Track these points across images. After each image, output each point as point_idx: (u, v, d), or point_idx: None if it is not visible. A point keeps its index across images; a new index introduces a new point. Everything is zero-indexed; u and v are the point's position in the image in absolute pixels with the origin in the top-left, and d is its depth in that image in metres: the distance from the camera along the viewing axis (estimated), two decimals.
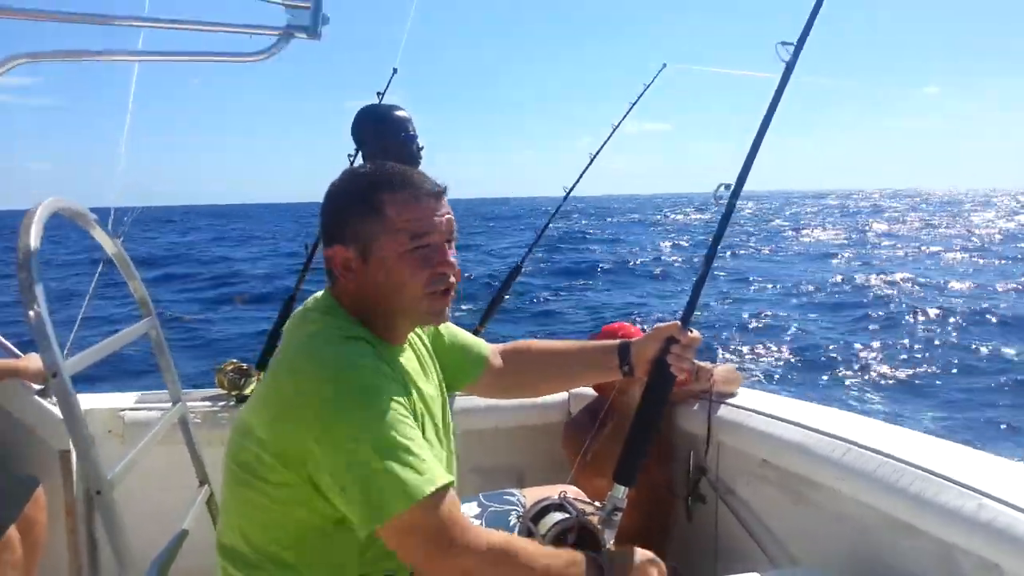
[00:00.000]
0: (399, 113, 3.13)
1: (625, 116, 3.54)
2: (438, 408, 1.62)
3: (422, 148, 3.09)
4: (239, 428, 1.49)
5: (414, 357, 1.65)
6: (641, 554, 1.54)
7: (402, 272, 1.48)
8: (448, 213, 1.52)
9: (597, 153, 3.51)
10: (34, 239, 1.47)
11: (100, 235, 1.89)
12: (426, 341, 1.76)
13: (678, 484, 3.02)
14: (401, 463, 1.30)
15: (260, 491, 1.42)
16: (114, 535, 1.48)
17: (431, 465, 1.33)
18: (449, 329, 1.86)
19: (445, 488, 1.33)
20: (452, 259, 1.52)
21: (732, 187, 1.79)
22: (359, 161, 3.37)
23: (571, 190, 3.57)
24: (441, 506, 1.32)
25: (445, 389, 1.73)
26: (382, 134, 3.06)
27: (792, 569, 2.53)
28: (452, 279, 1.53)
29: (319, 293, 1.60)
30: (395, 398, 1.37)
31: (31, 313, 1.43)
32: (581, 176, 3.57)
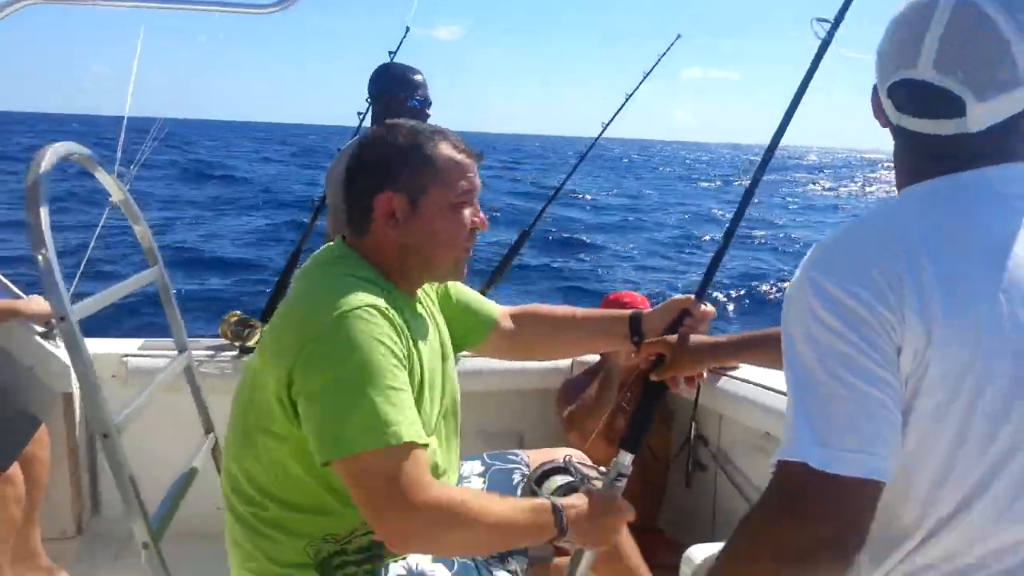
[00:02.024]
0: (416, 77, 3.11)
1: (639, 85, 3.52)
2: (439, 367, 1.61)
3: (429, 111, 3.08)
4: (248, 373, 1.50)
5: (425, 311, 1.64)
6: (606, 499, 1.52)
7: (445, 227, 1.50)
8: (479, 177, 1.56)
9: (612, 119, 3.48)
10: (42, 183, 1.45)
11: (106, 179, 1.87)
12: (434, 299, 1.75)
13: (675, 451, 3.03)
14: (379, 405, 1.29)
15: (267, 437, 1.43)
16: (121, 479, 1.48)
17: (410, 419, 1.32)
18: (458, 289, 1.86)
19: (415, 446, 1.31)
20: (484, 216, 1.56)
21: (758, 163, 1.77)
22: (368, 120, 3.35)
23: (589, 149, 3.55)
24: (405, 461, 1.29)
25: (451, 350, 1.72)
26: (395, 95, 3.04)
27: None
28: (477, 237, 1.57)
29: (331, 243, 1.60)
30: (392, 345, 1.36)
31: (39, 256, 1.41)
32: (602, 132, 3.55)
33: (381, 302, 1.39)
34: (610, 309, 2.30)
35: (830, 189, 43.77)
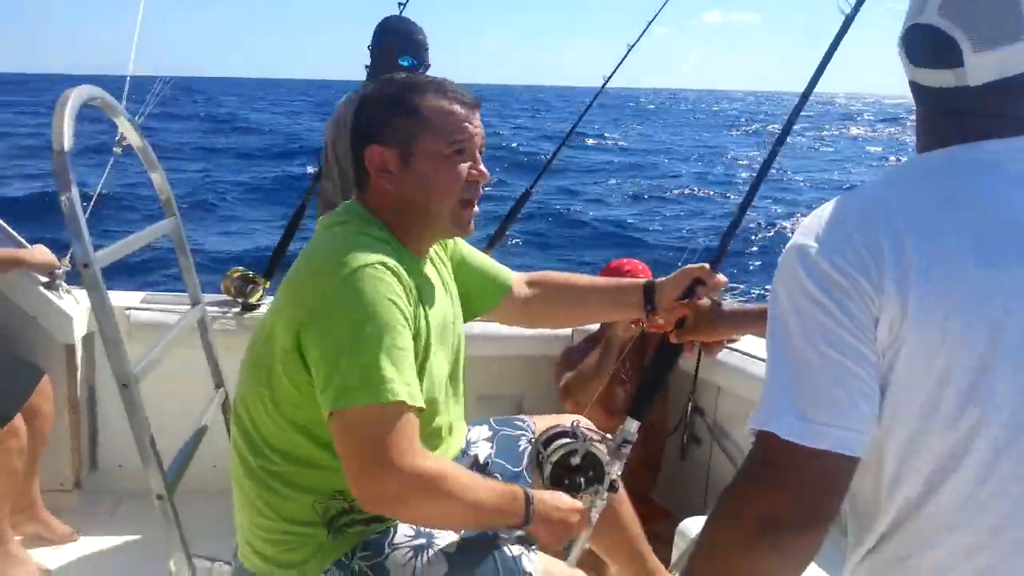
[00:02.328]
0: (416, 37, 3.06)
1: (640, 36, 3.50)
2: (451, 330, 1.61)
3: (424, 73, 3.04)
4: (260, 327, 1.50)
5: (435, 274, 1.64)
6: (566, 499, 1.53)
7: (438, 176, 1.49)
8: (481, 127, 1.53)
9: (613, 70, 3.45)
10: (67, 126, 1.43)
11: (126, 126, 1.85)
12: (447, 263, 1.75)
13: (672, 422, 3.05)
14: (380, 363, 1.29)
15: (277, 391, 1.43)
16: (138, 430, 1.48)
17: (407, 380, 1.32)
18: (473, 254, 1.85)
19: (407, 407, 1.31)
20: (484, 168, 1.54)
21: (778, 135, 1.76)
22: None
23: (597, 95, 3.52)
24: (396, 421, 1.29)
25: (460, 314, 1.72)
26: (390, 51, 2.99)
27: None
28: (481, 189, 1.54)
29: (344, 203, 1.59)
30: (400, 304, 1.36)
31: (64, 199, 1.40)
32: (611, 75, 3.52)
33: (391, 260, 1.39)
34: (621, 278, 2.29)
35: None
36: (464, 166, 1.50)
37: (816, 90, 1.78)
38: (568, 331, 3.21)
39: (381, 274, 1.35)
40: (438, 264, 1.70)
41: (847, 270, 0.96)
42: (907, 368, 0.96)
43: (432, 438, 1.58)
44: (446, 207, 1.51)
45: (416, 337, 1.43)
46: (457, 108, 1.50)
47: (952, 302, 0.94)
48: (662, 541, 2.23)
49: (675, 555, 2.15)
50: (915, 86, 1.07)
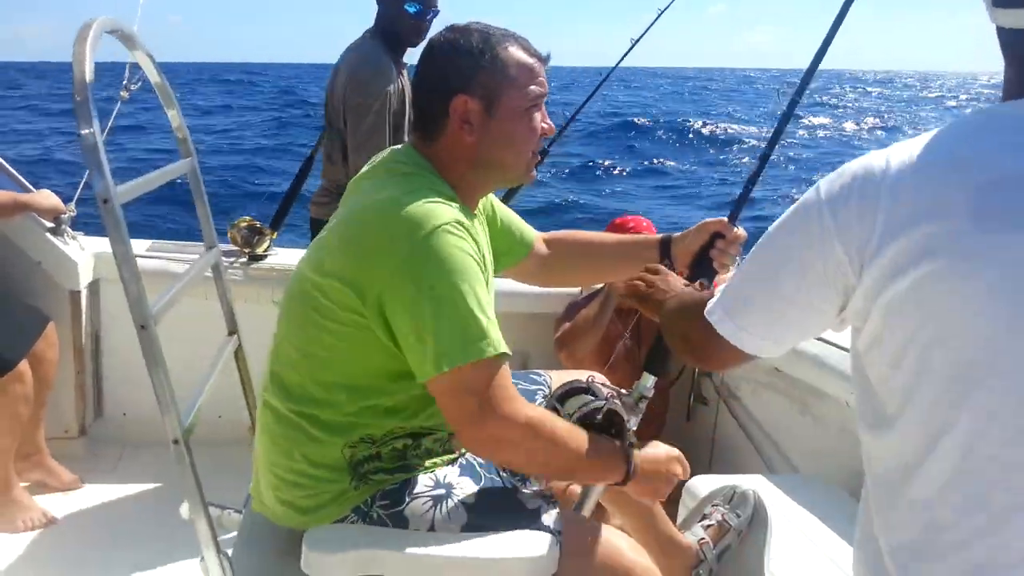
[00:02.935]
0: None
1: (649, 28, 3.46)
2: (491, 282, 1.61)
3: (430, 20, 2.97)
4: (312, 267, 1.46)
5: (481, 228, 1.64)
6: (666, 451, 1.55)
7: (519, 131, 1.51)
8: (546, 80, 1.56)
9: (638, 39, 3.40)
10: (88, 60, 1.40)
11: (144, 60, 1.81)
12: (483, 217, 1.74)
13: (679, 381, 3.05)
14: (474, 320, 1.32)
15: (327, 331, 1.42)
16: (155, 371, 1.46)
17: (496, 329, 1.36)
18: (503, 210, 1.85)
19: (504, 356, 1.35)
20: (551, 122, 1.57)
21: (797, 86, 1.72)
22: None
23: (609, 73, 3.47)
24: (496, 372, 1.34)
25: (492, 267, 1.71)
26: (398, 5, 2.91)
27: (790, 475, 2.57)
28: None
29: (395, 150, 1.58)
30: (479, 261, 1.39)
31: (84, 133, 1.37)
32: (623, 58, 3.47)
33: (465, 219, 1.41)
34: (620, 233, 2.28)
35: None
36: (539, 119, 1.53)
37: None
38: (577, 288, 3.19)
39: (461, 232, 1.37)
40: (480, 217, 1.70)
41: (832, 228, 0.96)
42: (896, 322, 0.95)
43: None
44: (523, 158, 1.54)
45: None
46: (535, 63, 1.52)
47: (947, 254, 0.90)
48: (667, 499, 2.23)
49: (682, 513, 2.15)
50: (998, 31, 1.00)
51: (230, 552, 1.58)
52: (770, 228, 1.07)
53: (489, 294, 1.52)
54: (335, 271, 1.40)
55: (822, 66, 1.76)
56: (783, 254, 1.04)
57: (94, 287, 2.97)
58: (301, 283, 1.48)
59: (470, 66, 1.47)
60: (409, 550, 1.36)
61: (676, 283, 1.59)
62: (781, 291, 1.04)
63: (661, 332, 1.47)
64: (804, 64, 1.78)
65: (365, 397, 1.43)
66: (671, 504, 2.21)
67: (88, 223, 2.90)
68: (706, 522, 1.96)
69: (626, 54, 3.53)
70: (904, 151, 0.96)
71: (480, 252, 1.43)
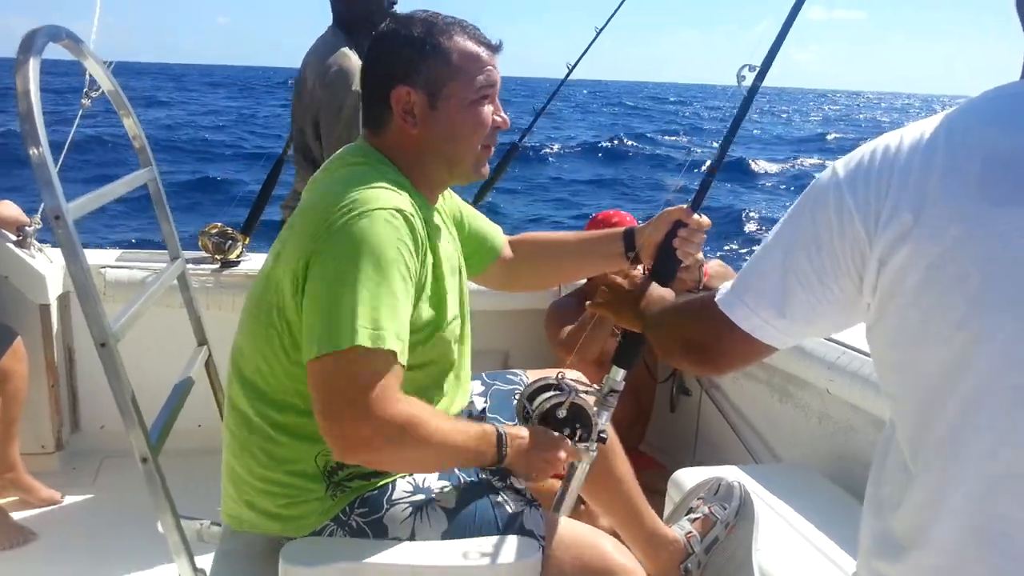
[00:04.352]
0: None
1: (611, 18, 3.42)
2: (456, 275, 1.58)
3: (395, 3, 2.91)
4: (270, 262, 1.44)
5: (443, 223, 1.60)
6: (539, 432, 1.50)
7: (465, 122, 1.46)
8: (498, 70, 1.50)
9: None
10: (32, 71, 1.35)
11: (94, 68, 1.75)
12: (449, 217, 1.71)
13: (662, 373, 3.04)
14: (376, 308, 1.25)
15: (282, 337, 1.38)
16: (118, 390, 1.41)
17: (398, 333, 1.28)
18: (469, 212, 1.81)
19: (393, 357, 1.27)
20: (505, 115, 1.52)
21: (757, 68, 1.69)
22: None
23: (569, 73, 3.45)
24: (379, 368, 1.25)
25: (464, 267, 1.68)
26: None
27: (774, 464, 2.57)
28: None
29: (350, 145, 1.54)
30: (407, 256, 1.32)
31: (33, 152, 1.31)
32: (580, 59, 3.45)
33: (408, 207, 1.35)
34: (602, 229, 2.26)
35: None
36: (488, 111, 1.48)
37: None
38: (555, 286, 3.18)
39: (394, 220, 1.31)
40: (444, 214, 1.66)
41: (851, 207, 0.96)
42: (907, 285, 0.94)
43: (442, 388, 1.55)
44: (470, 153, 1.49)
45: (422, 289, 1.39)
46: (483, 52, 1.46)
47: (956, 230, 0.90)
48: (652, 492, 2.22)
49: (668, 506, 2.15)
50: (1017, 6, 0.99)
51: (209, 567, 1.55)
52: (784, 217, 1.06)
53: (450, 286, 1.49)
54: (286, 260, 1.37)
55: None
56: (799, 236, 1.02)
57: (64, 300, 2.92)
58: (260, 281, 1.45)
59: (411, 56, 1.43)
60: (389, 561, 1.34)
61: (649, 287, 1.58)
62: (799, 274, 1.02)
63: (648, 338, 1.44)
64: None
65: None
66: (657, 497, 2.21)
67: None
68: (692, 515, 1.95)
69: (569, 73, 3.52)
70: (918, 129, 0.96)
71: (423, 249, 1.38)
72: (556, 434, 1.51)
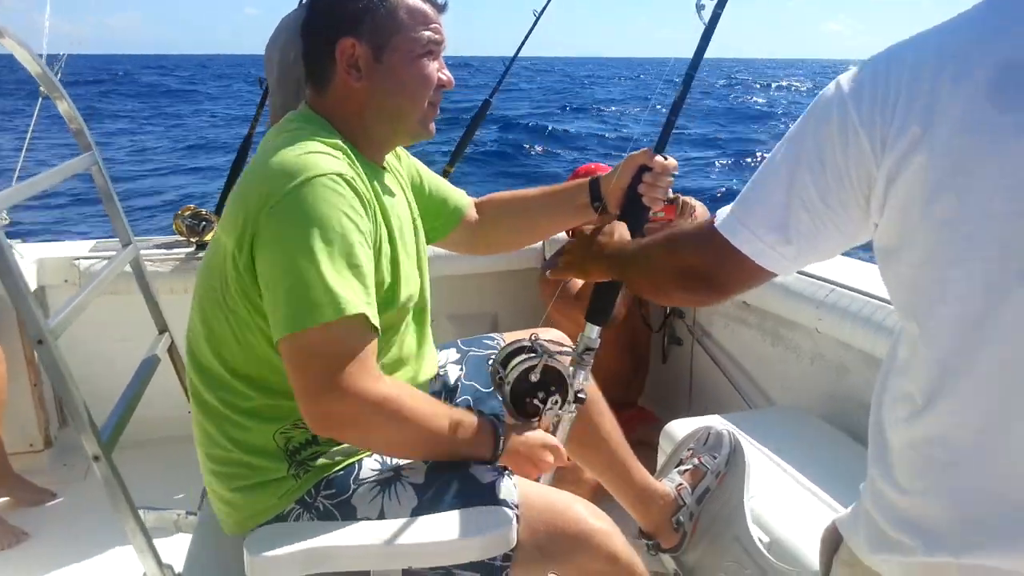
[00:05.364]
0: None
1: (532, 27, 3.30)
2: (412, 238, 1.54)
3: None
4: (209, 252, 1.41)
5: (396, 185, 1.55)
6: (539, 435, 1.46)
7: (411, 76, 1.42)
8: (444, 29, 1.46)
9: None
10: None
11: (20, 51, 1.64)
12: (407, 180, 1.66)
13: (656, 324, 2.99)
14: (332, 281, 1.21)
15: (231, 315, 1.34)
16: (62, 388, 1.36)
17: (364, 299, 1.24)
18: (429, 175, 1.76)
19: (364, 325, 1.24)
20: (449, 74, 1.49)
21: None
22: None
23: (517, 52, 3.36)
24: (350, 339, 1.23)
25: (422, 230, 1.62)
26: None
27: (767, 408, 2.54)
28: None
29: (293, 110, 1.49)
30: (357, 219, 1.27)
31: None
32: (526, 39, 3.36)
33: (348, 171, 1.30)
34: (569, 181, 2.19)
35: None
36: (434, 67, 1.44)
37: None
38: (539, 244, 3.12)
39: (336, 185, 1.25)
40: (398, 176, 1.60)
41: (855, 121, 0.93)
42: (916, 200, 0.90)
43: (403, 359, 1.51)
44: (416, 108, 1.44)
45: (379, 252, 1.34)
46: (428, 8, 1.43)
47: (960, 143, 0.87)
48: (646, 444, 2.19)
49: (661, 459, 2.11)
50: None
51: (183, 559, 1.52)
52: (787, 136, 1.02)
53: (402, 249, 1.44)
54: (224, 239, 1.32)
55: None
56: (803, 154, 0.99)
57: (40, 294, 2.87)
58: (203, 265, 1.40)
59: (356, 8, 1.38)
60: (360, 541, 1.29)
61: (615, 232, 1.52)
62: (803, 195, 0.98)
63: (631, 279, 1.37)
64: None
65: (283, 380, 1.32)
66: (651, 451, 2.17)
67: (32, 229, 2.79)
68: (683, 467, 1.92)
69: (519, 49, 3.38)
70: (924, 38, 0.93)
71: (372, 209, 1.33)
72: (543, 434, 1.47)
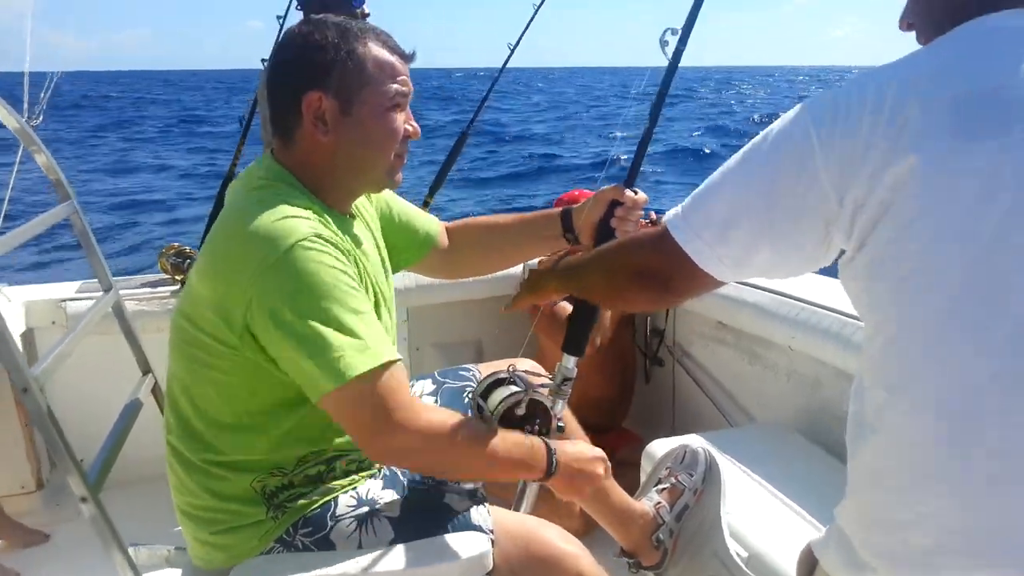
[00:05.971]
0: None
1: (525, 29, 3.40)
2: (383, 282, 1.57)
3: (367, 15, 2.89)
4: (184, 300, 1.42)
5: (364, 229, 1.58)
6: (589, 449, 1.51)
7: (378, 131, 1.43)
8: (410, 80, 1.48)
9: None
10: None
11: None
12: (374, 215, 1.69)
13: (641, 348, 3.04)
14: (348, 334, 1.26)
15: (210, 370, 1.37)
16: (47, 434, 1.40)
17: (378, 339, 1.29)
18: (399, 204, 1.79)
19: (391, 364, 1.29)
20: (416, 124, 1.50)
21: (679, 32, 1.67)
22: (295, 17, 3.16)
23: (510, 56, 3.43)
24: (382, 382, 1.27)
25: (390, 267, 1.67)
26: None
27: (747, 425, 2.58)
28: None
29: (260, 157, 1.51)
30: (345, 270, 1.31)
31: None
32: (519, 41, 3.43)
33: (324, 229, 1.33)
34: (543, 210, 2.24)
35: None
36: (401, 120, 1.45)
37: None
38: (518, 269, 3.16)
39: (319, 245, 1.29)
40: (366, 217, 1.64)
41: (815, 145, 0.95)
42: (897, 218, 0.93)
43: None
44: (383, 160, 1.46)
45: (366, 294, 1.39)
46: (396, 60, 1.44)
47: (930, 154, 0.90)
48: (630, 465, 2.22)
49: (643, 478, 2.15)
50: None
51: None
52: (747, 145, 1.03)
53: (384, 295, 1.48)
54: (203, 297, 1.35)
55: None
56: (760, 170, 1.00)
57: (28, 336, 2.90)
58: (181, 314, 1.42)
59: (325, 61, 1.39)
60: (339, 571, 1.33)
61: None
62: (748, 201, 1.01)
63: (585, 287, 1.37)
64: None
65: (263, 430, 1.38)
66: (633, 471, 2.21)
67: (17, 273, 2.82)
68: (661, 486, 1.95)
69: (508, 58, 3.49)
70: (888, 70, 0.96)
71: (352, 259, 1.38)
72: (592, 448, 1.52)
